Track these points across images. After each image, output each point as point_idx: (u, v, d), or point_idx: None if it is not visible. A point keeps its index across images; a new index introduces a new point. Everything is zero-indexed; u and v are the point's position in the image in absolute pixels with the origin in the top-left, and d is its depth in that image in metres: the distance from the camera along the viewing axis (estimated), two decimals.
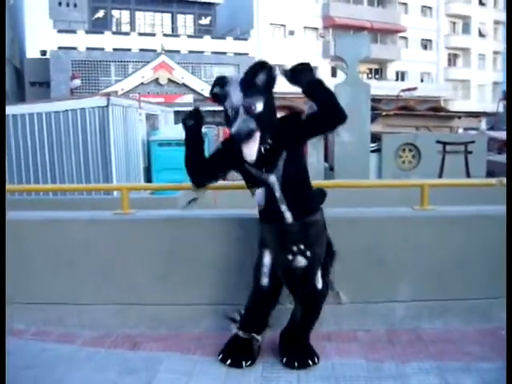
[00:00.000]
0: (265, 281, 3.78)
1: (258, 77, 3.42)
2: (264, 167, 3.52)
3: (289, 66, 3.53)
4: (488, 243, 4.37)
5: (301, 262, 3.60)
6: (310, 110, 3.59)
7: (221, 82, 3.56)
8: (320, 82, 3.52)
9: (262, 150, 3.48)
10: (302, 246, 3.60)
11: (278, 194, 3.51)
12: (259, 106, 3.41)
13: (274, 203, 3.53)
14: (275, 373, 3.69)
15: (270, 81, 3.45)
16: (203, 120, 3.82)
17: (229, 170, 3.84)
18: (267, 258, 3.77)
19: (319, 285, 3.76)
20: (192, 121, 3.75)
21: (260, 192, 3.56)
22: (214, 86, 3.58)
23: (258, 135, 3.42)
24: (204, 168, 3.76)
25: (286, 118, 3.65)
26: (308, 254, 3.60)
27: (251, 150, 3.45)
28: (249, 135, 3.39)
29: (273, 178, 3.51)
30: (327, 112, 3.48)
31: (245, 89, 3.42)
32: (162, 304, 4.37)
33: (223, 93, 3.50)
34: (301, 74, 3.49)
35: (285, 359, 3.79)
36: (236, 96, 3.42)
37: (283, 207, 3.52)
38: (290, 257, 3.60)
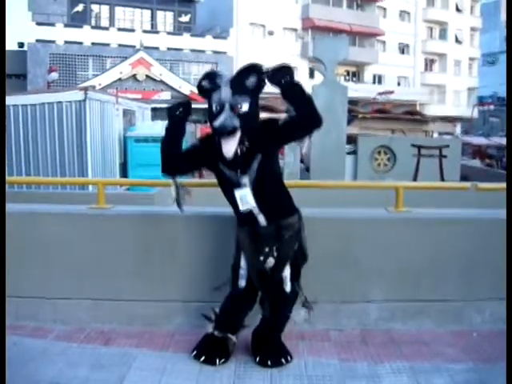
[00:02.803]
0: (242, 283, 3.79)
1: (248, 78, 3.44)
2: (238, 168, 3.53)
3: (270, 66, 3.53)
4: (461, 246, 4.43)
5: (271, 262, 3.63)
6: (288, 114, 3.59)
7: (211, 76, 3.57)
8: (299, 86, 3.52)
9: (239, 151, 3.48)
10: (274, 248, 3.63)
11: (251, 195, 3.53)
12: (245, 107, 3.42)
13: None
14: (248, 371, 3.70)
15: (260, 85, 3.48)
16: (190, 114, 3.79)
17: (201, 167, 3.90)
18: (243, 261, 3.78)
19: (287, 288, 3.78)
20: (180, 111, 3.71)
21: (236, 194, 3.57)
22: (203, 78, 3.58)
23: (238, 134, 3.43)
24: (178, 160, 3.75)
25: (265, 123, 3.63)
26: (275, 254, 3.63)
27: (230, 147, 3.45)
28: (231, 132, 3.40)
29: (246, 180, 3.52)
30: (304, 116, 3.49)
31: (234, 87, 3.43)
32: (136, 300, 4.35)
33: (211, 87, 3.51)
34: (281, 75, 3.49)
35: (258, 358, 3.79)
36: (224, 92, 3.42)
37: (255, 210, 3.54)
38: (262, 258, 3.63)
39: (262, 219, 3.56)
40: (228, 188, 3.62)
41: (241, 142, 3.47)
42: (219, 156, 3.52)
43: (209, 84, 3.53)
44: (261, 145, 3.55)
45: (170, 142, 3.75)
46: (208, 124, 3.67)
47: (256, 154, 3.52)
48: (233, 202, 3.62)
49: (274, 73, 3.48)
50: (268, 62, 3.77)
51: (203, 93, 3.58)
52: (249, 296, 3.84)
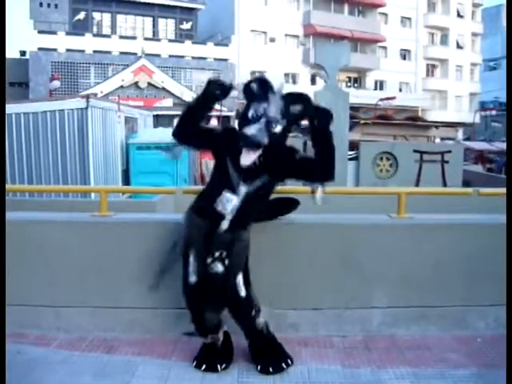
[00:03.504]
0: (193, 279, 3.70)
1: (295, 104, 3.48)
2: (244, 176, 3.53)
3: (320, 105, 3.62)
4: (464, 251, 4.43)
5: (217, 267, 3.64)
6: (307, 150, 3.64)
7: (263, 82, 3.55)
8: (331, 135, 3.60)
9: (253, 163, 3.50)
10: (223, 254, 3.63)
11: (235, 202, 3.53)
12: (278, 128, 3.45)
13: (223, 208, 3.55)
14: (251, 377, 3.69)
15: (301, 115, 3.54)
16: (226, 98, 3.76)
17: (210, 150, 3.83)
18: (192, 257, 3.69)
19: (242, 293, 3.72)
20: (219, 91, 3.68)
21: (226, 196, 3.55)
22: (254, 81, 3.57)
23: (260, 151, 3.45)
24: (193, 131, 3.72)
25: (284, 149, 3.65)
26: (226, 262, 3.64)
27: (249, 158, 3.46)
28: (257, 145, 3.42)
29: (242, 189, 3.52)
30: (323, 167, 3.59)
31: (279, 105, 3.44)
32: (138, 308, 4.35)
33: (259, 93, 3.50)
34: (327, 120, 3.57)
35: (259, 366, 3.78)
36: (270, 105, 3.43)
37: (228, 216, 3.54)
38: (210, 260, 3.63)
39: (225, 225, 3.56)
40: (221, 180, 3.60)
41: (258, 157, 3.49)
42: (231, 153, 3.53)
43: (258, 89, 3.52)
44: (272, 168, 3.57)
45: (194, 111, 3.73)
46: (237, 126, 3.66)
47: (264, 174, 3.55)
48: (217, 193, 3.58)
49: (319, 112, 3.57)
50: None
51: (247, 94, 3.57)
52: (203, 290, 3.73)
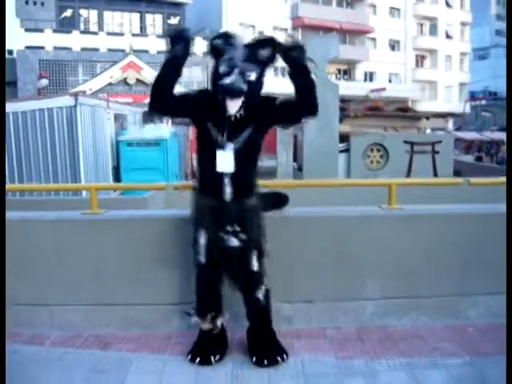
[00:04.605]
0: (202, 260, 3.74)
1: (262, 50, 3.48)
2: (228, 133, 3.53)
3: (285, 42, 3.55)
4: (455, 241, 4.44)
5: (233, 242, 3.62)
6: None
7: (226, 36, 3.56)
8: (308, 69, 3.56)
9: (232, 117, 3.51)
10: (237, 228, 3.62)
11: (230, 160, 3.53)
12: (253, 76, 3.45)
13: (219, 172, 3.53)
14: (246, 371, 3.70)
15: (271, 58, 3.52)
16: (191, 48, 3.65)
17: (188, 117, 3.79)
18: (202, 237, 3.72)
19: (255, 267, 3.73)
20: (181, 44, 3.58)
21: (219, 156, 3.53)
22: (217, 37, 3.57)
23: (242, 99, 3.45)
24: (168, 100, 3.63)
25: (264, 98, 3.64)
26: (242, 237, 3.62)
27: (234, 106, 3.46)
28: (238, 93, 3.41)
29: (231, 146, 3.51)
30: (304, 101, 3.53)
31: (247, 54, 3.46)
32: (132, 304, 4.35)
33: (223, 47, 3.49)
34: (295, 54, 3.51)
35: (254, 358, 3.79)
36: (237, 55, 3.43)
37: (227, 180, 3.53)
38: (224, 236, 3.62)
39: (228, 191, 3.55)
40: (209, 148, 3.58)
41: (239, 109, 3.49)
42: (211, 115, 3.53)
43: (223, 44, 3.51)
44: (256, 117, 3.56)
45: (164, 79, 3.65)
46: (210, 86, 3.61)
47: (249, 125, 3.54)
48: (207, 163, 3.59)
49: (289, 50, 3.50)
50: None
51: (214, 52, 3.55)
52: (212, 270, 3.77)
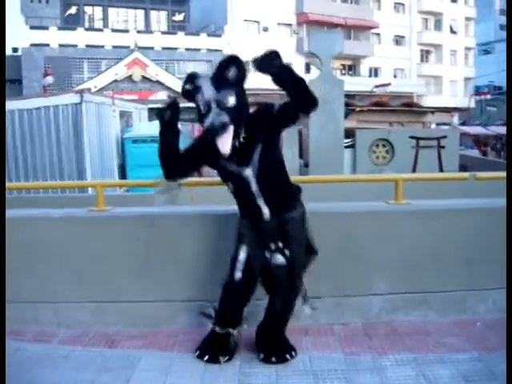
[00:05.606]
0: (238, 275, 3.75)
1: (229, 71, 3.41)
2: (239, 161, 3.51)
3: (256, 55, 3.47)
4: (462, 236, 4.43)
5: (279, 259, 3.60)
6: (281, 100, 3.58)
7: (192, 78, 3.53)
8: (289, 68, 3.47)
9: (237, 143, 3.47)
10: (280, 244, 3.60)
11: (254, 188, 3.50)
12: (231, 100, 3.39)
13: (250, 198, 3.53)
14: (253, 368, 3.70)
15: (241, 75, 3.44)
16: (180, 112, 3.72)
17: (202, 165, 3.84)
18: (243, 254, 3.75)
19: (297, 282, 3.75)
20: (169, 113, 3.65)
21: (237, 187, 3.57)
22: (185, 82, 3.55)
23: (231, 128, 3.40)
24: (178, 163, 3.71)
25: (259, 111, 3.61)
26: (287, 252, 3.60)
27: (225, 144, 3.41)
28: (222, 128, 3.36)
29: (248, 172, 3.50)
30: (299, 98, 3.46)
31: (216, 83, 3.41)
32: (139, 301, 4.35)
33: (193, 88, 3.48)
34: (269, 61, 3.42)
35: (262, 355, 3.79)
36: (207, 91, 3.39)
37: (260, 202, 3.52)
38: (268, 254, 3.60)
39: (266, 211, 3.54)
40: (233, 180, 3.59)
41: (237, 135, 3.45)
42: (217, 153, 3.49)
43: (191, 86, 3.50)
44: (259, 134, 3.52)
45: (166, 145, 3.72)
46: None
47: (256, 145, 3.51)
48: (237, 193, 3.62)
49: (262, 60, 3.42)
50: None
51: (188, 97, 3.54)
52: (245, 289, 3.81)
